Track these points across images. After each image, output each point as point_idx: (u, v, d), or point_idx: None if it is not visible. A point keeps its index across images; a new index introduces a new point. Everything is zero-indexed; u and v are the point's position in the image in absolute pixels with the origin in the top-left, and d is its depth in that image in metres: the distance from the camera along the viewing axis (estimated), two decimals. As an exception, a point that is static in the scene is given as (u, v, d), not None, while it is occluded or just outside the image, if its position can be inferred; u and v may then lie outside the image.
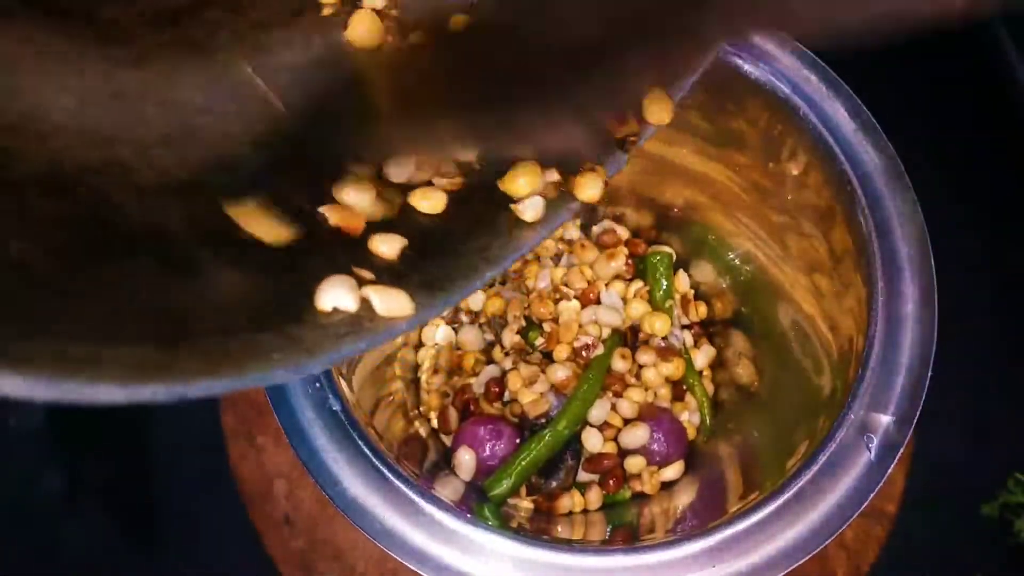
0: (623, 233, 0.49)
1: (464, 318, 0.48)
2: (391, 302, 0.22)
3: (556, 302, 0.46)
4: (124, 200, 0.21)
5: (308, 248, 0.23)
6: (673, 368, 0.45)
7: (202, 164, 0.23)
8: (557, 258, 0.48)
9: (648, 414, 0.44)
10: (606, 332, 0.45)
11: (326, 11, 0.28)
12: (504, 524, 0.39)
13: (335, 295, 0.21)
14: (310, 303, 0.21)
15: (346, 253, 0.23)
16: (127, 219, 0.21)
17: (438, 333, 0.48)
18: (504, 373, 0.45)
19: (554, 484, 0.42)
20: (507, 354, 0.46)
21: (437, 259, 0.24)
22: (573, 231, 0.49)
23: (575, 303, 0.46)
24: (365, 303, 0.22)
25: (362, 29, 0.27)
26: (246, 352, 0.19)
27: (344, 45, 0.27)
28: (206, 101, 0.24)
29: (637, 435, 0.43)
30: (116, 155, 0.22)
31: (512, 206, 0.26)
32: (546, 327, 0.46)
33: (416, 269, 0.23)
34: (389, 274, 0.23)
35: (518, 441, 0.43)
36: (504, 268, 0.25)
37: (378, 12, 0.28)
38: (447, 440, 0.45)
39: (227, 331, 0.19)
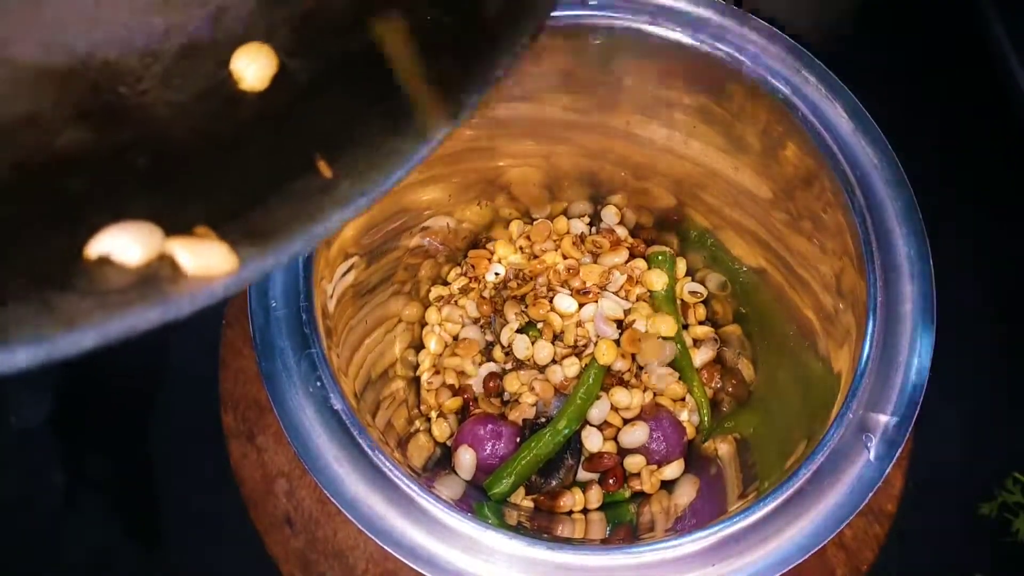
0: (622, 233, 0.49)
1: (465, 319, 0.48)
2: (204, 257, 0.17)
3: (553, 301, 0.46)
4: None
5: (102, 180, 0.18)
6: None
7: None
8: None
9: (648, 413, 0.44)
10: (606, 331, 0.45)
11: None
12: (504, 523, 0.39)
13: (112, 242, 0.16)
14: (82, 256, 0.16)
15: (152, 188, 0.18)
16: None
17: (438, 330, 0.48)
18: (504, 372, 0.46)
19: (554, 483, 0.43)
20: (507, 354, 0.46)
21: (268, 200, 0.18)
22: (574, 230, 0.49)
23: (574, 302, 0.46)
24: (165, 259, 0.16)
25: None
26: None
27: None
28: None
29: (637, 434, 0.43)
30: None
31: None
32: (544, 327, 0.46)
33: (241, 214, 0.18)
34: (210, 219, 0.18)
35: (518, 440, 0.43)
36: (359, 209, 0.18)
37: None
38: (448, 439, 0.45)
39: None
